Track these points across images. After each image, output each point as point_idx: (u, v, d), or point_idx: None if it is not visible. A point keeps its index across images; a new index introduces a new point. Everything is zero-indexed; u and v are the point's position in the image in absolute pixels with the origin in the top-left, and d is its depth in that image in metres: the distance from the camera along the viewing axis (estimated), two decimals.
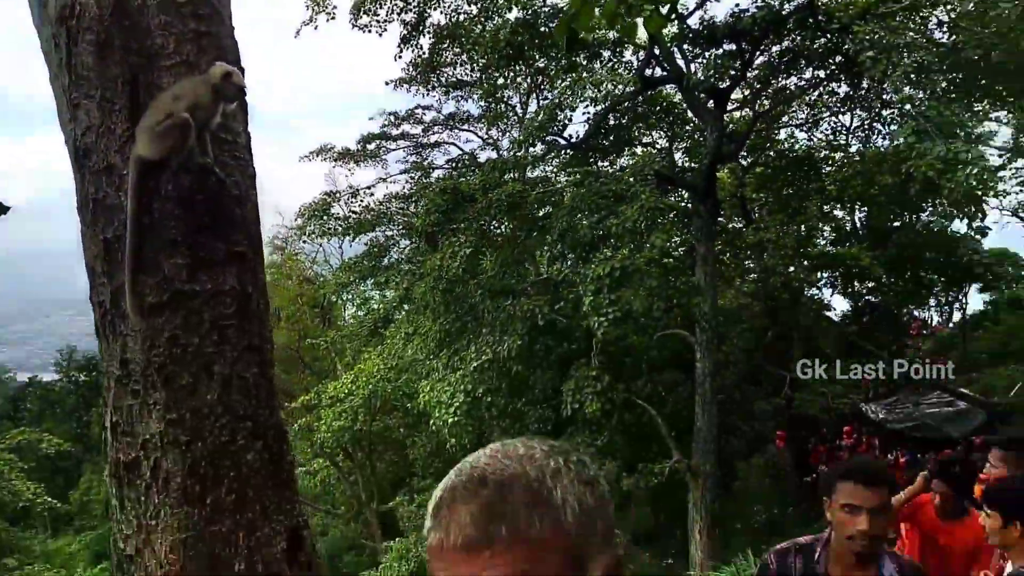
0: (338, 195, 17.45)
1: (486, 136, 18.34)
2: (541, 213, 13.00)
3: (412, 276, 14.60)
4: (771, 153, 16.60)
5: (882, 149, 15.79)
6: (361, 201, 17.96)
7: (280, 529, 1.60)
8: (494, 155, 15.76)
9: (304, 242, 18.52)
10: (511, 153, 13.53)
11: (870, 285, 25.36)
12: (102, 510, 27.27)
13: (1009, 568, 2.36)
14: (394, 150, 18.38)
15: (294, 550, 1.63)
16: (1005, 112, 15.70)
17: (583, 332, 14.09)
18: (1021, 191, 32.94)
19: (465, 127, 17.76)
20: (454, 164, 16.96)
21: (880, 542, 2.14)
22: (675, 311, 18.80)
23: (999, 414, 19.06)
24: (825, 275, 24.35)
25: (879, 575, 2.13)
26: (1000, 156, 18.22)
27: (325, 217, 17.28)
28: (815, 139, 17.13)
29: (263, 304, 1.67)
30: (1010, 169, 27.78)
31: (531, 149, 13.22)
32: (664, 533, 21.25)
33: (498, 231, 12.99)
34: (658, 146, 16.76)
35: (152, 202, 1.50)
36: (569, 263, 12.19)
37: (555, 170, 15.59)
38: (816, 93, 15.49)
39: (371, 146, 17.82)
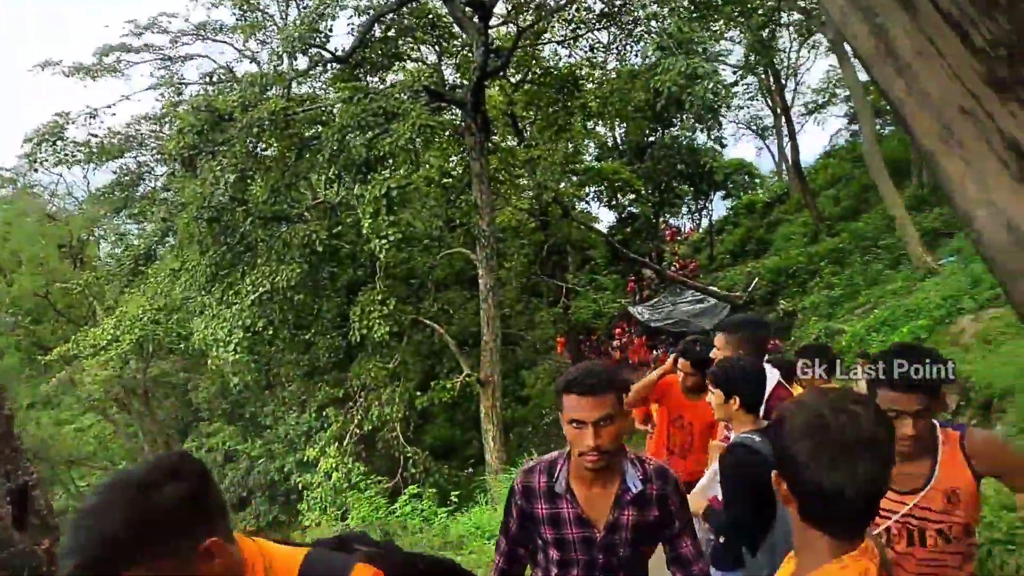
0: (70, 116, 15.16)
1: (243, 48, 16.86)
2: (310, 133, 12.34)
3: (172, 206, 13.36)
4: (536, 70, 17.04)
5: (635, 66, 16.86)
6: (102, 123, 15.81)
7: (2, 492, 1.44)
8: (254, 69, 14.54)
9: (36, 171, 16.04)
10: (271, 67, 12.54)
11: (631, 197, 27.66)
12: None
13: (732, 435, 2.73)
14: (138, 63, 16.28)
15: (22, 512, 1.49)
16: (738, 32, 17.35)
17: (367, 256, 13.91)
18: (752, 105, 37.43)
19: (219, 38, 16.12)
20: (209, 79, 15.42)
21: (614, 454, 2.02)
22: (457, 230, 19.25)
23: (740, 306, 22.01)
24: (592, 189, 26.16)
25: (623, 485, 2.06)
26: (734, 73, 20.31)
27: (60, 143, 15.03)
28: (576, 56, 17.87)
29: None
30: (742, 85, 31.42)
31: (295, 63, 12.36)
32: (462, 444, 22.30)
33: (266, 153, 12.14)
34: (428, 62, 16.53)
35: None
36: (346, 185, 11.79)
37: (323, 86, 14.82)
38: (574, 8, 15.96)
39: (109, 59, 15.60)
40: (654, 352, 19.35)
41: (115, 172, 16.09)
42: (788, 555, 1.41)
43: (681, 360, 3.77)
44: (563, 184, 20.78)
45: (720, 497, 2.85)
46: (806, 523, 1.27)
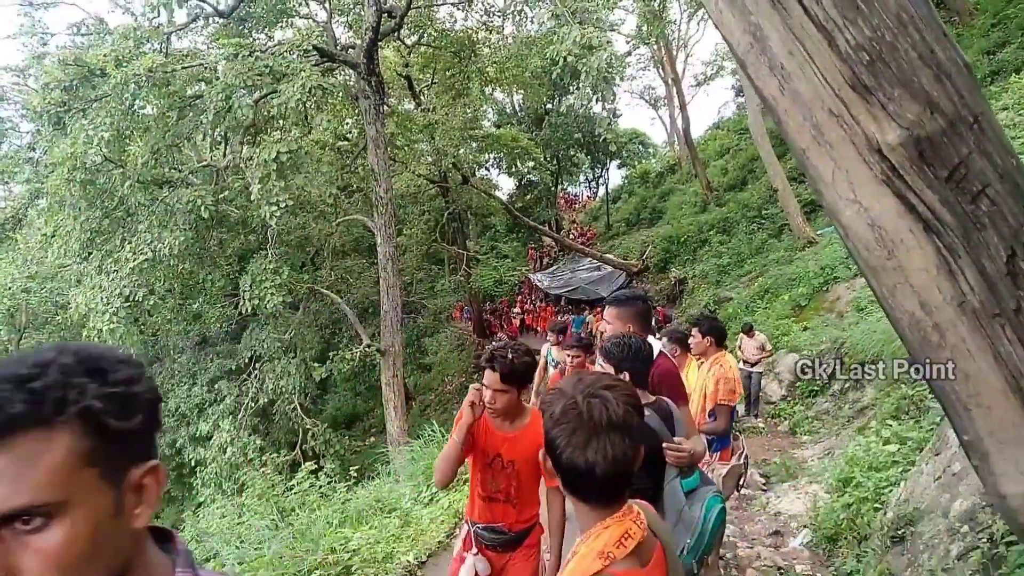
0: None
1: None
2: (192, 91, 11.67)
3: (41, 167, 12.39)
4: (432, 32, 16.75)
5: (531, 33, 16.86)
6: None
7: None
8: (128, 20, 13.56)
9: None
10: (147, 19, 11.71)
11: (531, 165, 27.88)
12: None
13: None
14: None
15: None
16: (632, 1, 17.61)
17: (258, 223, 13.41)
18: (644, 75, 38.28)
19: None
20: (76, 30, 14.29)
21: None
22: (354, 196, 18.79)
23: (635, 274, 22.74)
24: (491, 156, 26.16)
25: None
26: (627, 43, 20.61)
27: None
28: (472, 20, 17.68)
29: None
30: (635, 55, 32.10)
31: (172, 16, 11.60)
32: (364, 414, 22.12)
33: (144, 111, 11.40)
34: (318, 19, 15.92)
35: None
36: (233, 148, 11.27)
37: (205, 42, 14.00)
38: None
39: None
40: (558, 318, 19.72)
41: None
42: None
43: (488, 373, 2.84)
44: (462, 150, 20.62)
45: None
46: (569, 494, 1.42)
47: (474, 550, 3.00)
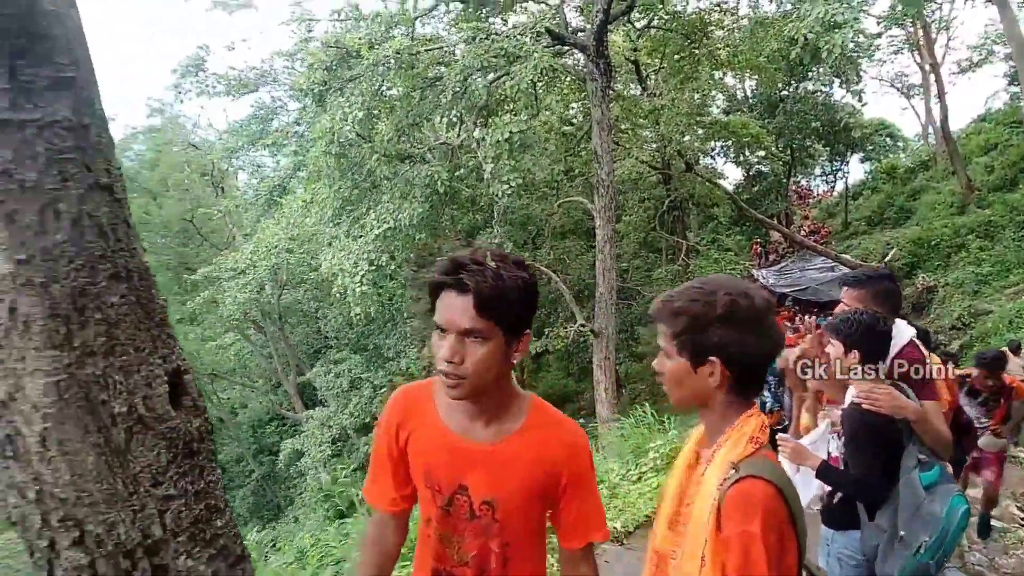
0: (210, 49, 16.08)
1: None
2: (433, 73, 12.47)
3: (304, 140, 13.96)
4: (663, 15, 16.32)
5: (769, 14, 15.83)
6: (241, 57, 16.63)
7: (159, 372, 1.58)
8: (380, 7, 14.82)
9: (182, 102, 17.21)
10: (398, 4, 12.67)
11: (760, 154, 26.34)
12: None
13: (852, 391, 2.60)
14: None
15: (178, 393, 1.63)
16: None
17: (486, 201, 14.04)
18: (896, 60, 34.20)
19: None
20: (337, 16, 15.90)
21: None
22: (576, 179, 19.07)
23: None
24: (718, 144, 25.08)
25: None
26: (878, 23, 18.63)
27: (201, 74, 16.01)
28: (705, 1, 16.96)
29: (105, 137, 1.54)
30: (887, 37, 28.81)
31: (418, 2, 12.44)
32: (574, 395, 22.56)
33: (391, 92, 12.39)
34: (550, 3, 16.23)
35: None
36: (466, 128, 11.90)
37: (446, 27, 14.86)
38: None
39: None
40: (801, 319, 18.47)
41: (252, 106, 16.98)
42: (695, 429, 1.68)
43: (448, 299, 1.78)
44: (688, 137, 20.01)
45: (835, 455, 2.75)
46: (732, 395, 1.50)
47: None
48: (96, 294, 1.46)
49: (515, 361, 1.54)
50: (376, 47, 11.43)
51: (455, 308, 1.42)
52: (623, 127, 17.62)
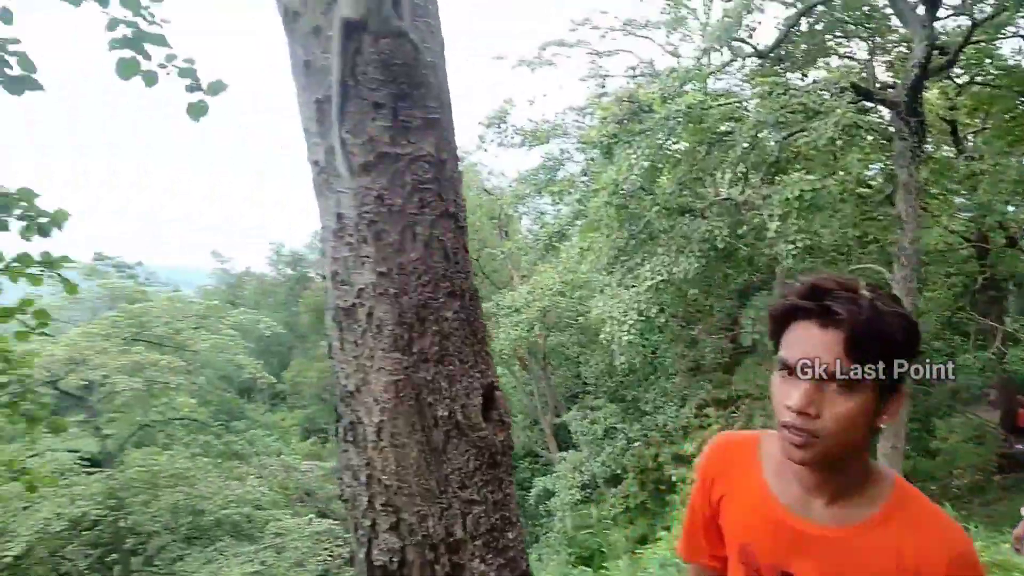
0: (512, 103, 17.53)
1: (666, 43, 17.47)
2: (722, 128, 12.30)
3: (587, 191, 14.54)
4: (991, 70, 14.38)
5: None
6: (539, 112, 17.95)
7: (476, 384, 1.72)
8: (674, 63, 14.98)
9: (484, 150, 18.99)
10: (694, 60, 12.75)
11: None
12: (311, 391, 30.49)
13: None
14: (569, 57, 17.93)
15: (489, 407, 1.76)
16: None
17: (765, 262, 13.40)
18: None
19: (643, 33, 16.92)
20: (632, 73, 16.35)
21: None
22: (870, 246, 17.40)
23: None
24: None
25: None
26: None
27: (503, 126, 17.53)
28: None
29: (456, 172, 1.75)
30: None
31: (713, 57, 12.40)
32: None
33: (675, 147, 12.46)
34: (857, 58, 15.12)
35: (355, 65, 1.60)
36: (752, 184, 11.52)
37: (740, 82, 14.59)
38: None
39: (547, 53, 17.49)
40: None
41: (542, 156, 18.13)
42: None
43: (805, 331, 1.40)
44: (1012, 208, 17.27)
45: None
46: None
47: None
48: (436, 308, 1.65)
49: (883, 425, 1.20)
50: (669, 101, 11.61)
51: (816, 344, 1.12)
52: (932, 191, 15.76)
